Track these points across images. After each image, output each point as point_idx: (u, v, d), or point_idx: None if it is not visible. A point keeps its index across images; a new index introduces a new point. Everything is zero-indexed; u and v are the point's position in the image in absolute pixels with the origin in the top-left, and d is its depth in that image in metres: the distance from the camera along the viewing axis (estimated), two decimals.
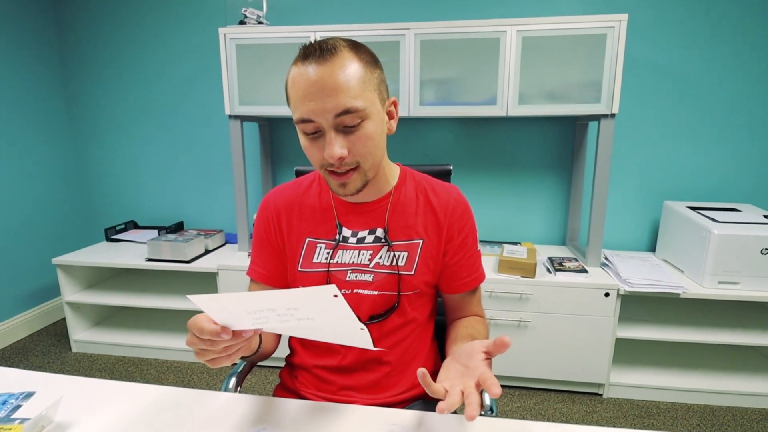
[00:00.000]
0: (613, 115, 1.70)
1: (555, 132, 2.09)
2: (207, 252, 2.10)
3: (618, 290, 1.68)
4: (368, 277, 0.79)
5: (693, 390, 1.74)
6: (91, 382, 0.78)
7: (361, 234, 0.80)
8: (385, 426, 0.66)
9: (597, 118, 1.76)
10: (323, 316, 0.55)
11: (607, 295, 1.69)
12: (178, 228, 2.38)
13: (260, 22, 1.93)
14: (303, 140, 0.70)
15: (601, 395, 1.81)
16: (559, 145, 2.10)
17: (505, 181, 2.16)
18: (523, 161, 2.13)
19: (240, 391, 0.85)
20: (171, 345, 2.04)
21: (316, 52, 0.64)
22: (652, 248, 2.12)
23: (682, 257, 1.83)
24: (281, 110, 1.87)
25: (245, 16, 1.92)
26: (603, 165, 1.75)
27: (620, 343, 1.84)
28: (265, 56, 1.84)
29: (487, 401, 0.81)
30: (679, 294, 1.64)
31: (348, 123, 0.66)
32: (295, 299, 0.53)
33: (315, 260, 0.81)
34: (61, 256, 2.03)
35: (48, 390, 0.75)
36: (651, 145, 2.04)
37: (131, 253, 2.09)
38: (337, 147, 0.66)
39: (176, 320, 2.25)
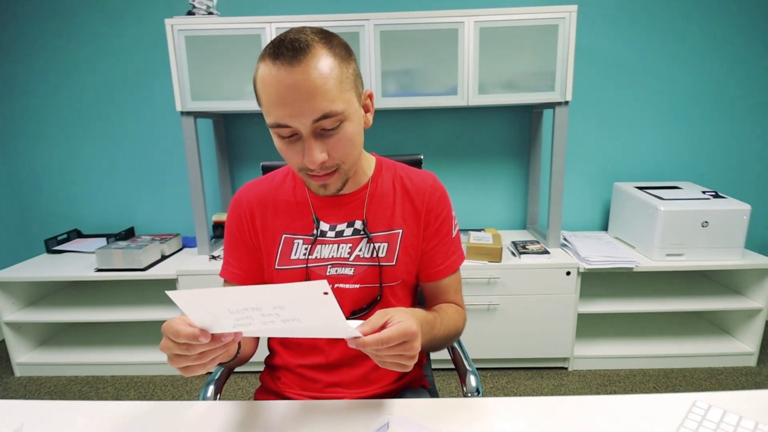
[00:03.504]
0: (566, 103, 1.78)
1: (512, 120, 2.16)
2: (163, 258, 1.98)
3: (578, 268, 1.77)
4: (349, 271, 0.78)
5: (648, 356, 1.88)
6: (51, 405, 0.71)
7: (339, 227, 0.78)
8: (382, 416, 0.65)
9: (551, 105, 1.84)
10: (311, 315, 0.52)
11: (568, 273, 1.78)
12: (128, 234, 2.22)
13: (210, 13, 1.83)
14: (278, 143, 0.66)
15: (566, 369, 1.91)
16: (516, 133, 2.17)
17: (468, 170, 2.21)
18: (483, 150, 2.19)
19: (220, 399, 0.81)
20: (129, 359, 1.91)
21: (288, 51, 0.59)
22: (605, 227, 2.26)
23: (633, 234, 1.95)
24: (237, 105, 1.80)
25: (194, 6, 1.81)
26: (559, 151, 1.83)
27: (582, 318, 1.95)
28: (217, 49, 1.75)
29: (473, 383, 0.83)
30: (632, 268, 1.76)
31: (327, 127, 0.62)
32: (283, 295, 0.49)
33: (293, 257, 0.78)
34: None
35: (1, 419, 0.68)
36: (600, 130, 2.16)
37: (77, 264, 1.93)
38: (317, 152, 0.63)
39: (133, 333, 2.11)
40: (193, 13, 1.82)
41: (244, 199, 0.81)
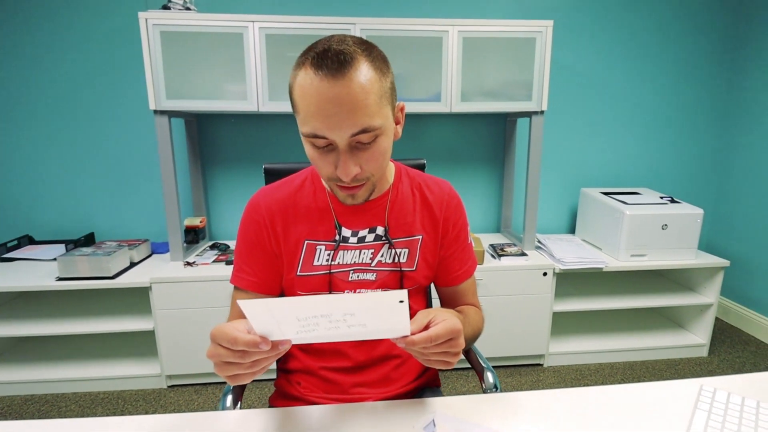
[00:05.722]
0: (542, 112, 1.88)
1: (488, 128, 2.24)
2: (132, 265, 1.86)
3: (554, 269, 1.86)
4: (371, 276, 0.79)
5: (615, 350, 2.01)
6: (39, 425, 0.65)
7: (361, 233, 0.79)
8: (426, 414, 0.67)
9: (527, 114, 1.93)
10: (378, 321, 0.53)
11: (545, 274, 1.87)
12: (89, 240, 2.07)
13: (188, 8, 1.76)
14: (311, 151, 0.66)
15: (542, 365, 2.00)
16: (491, 140, 2.26)
17: (446, 175, 2.26)
18: (460, 155, 2.25)
19: (241, 408, 0.78)
20: (93, 374, 1.77)
21: (332, 62, 0.58)
22: (572, 230, 2.39)
23: (599, 236, 2.09)
24: (215, 105, 1.74)
25: (169, 1, 1.73)
26: (535, 157, 1.92)
27: (556, 316, 2.05)
28: (196, 46, 1.69)
29: (491, 380, 0.86)
30: (602, 268, 1.88)
31: (363, 141, 0.63)
32: (360, 303, 0.50)
33: (316, 263, 0.78)
34: None
35: None
36: (567, 139, 2.29)
37: (33, 273, 1.77)
38: (351, 166, 0.64)
39: (96, 346, 1.97)
40: (169, 8, 1.74)
41: (263, 205, 0.79)
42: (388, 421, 0.66)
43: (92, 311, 1.87)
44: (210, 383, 1.85)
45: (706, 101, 2.33)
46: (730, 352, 2.08)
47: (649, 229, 1.91)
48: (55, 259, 1.87)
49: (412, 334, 0.57)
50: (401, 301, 0.50)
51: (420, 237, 0.81)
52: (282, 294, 0.83)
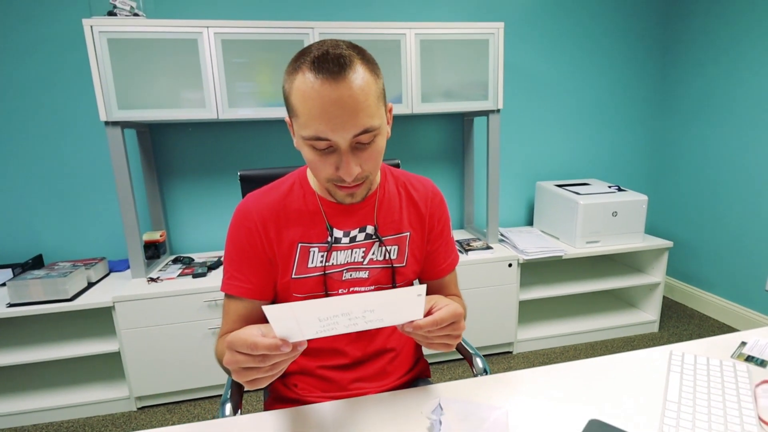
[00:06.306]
0: (498, 111, 1.96)
1: (446, 127, 2.30)
2: (90, 285, 1.77)
3: (518, 260, 1.95)
4: (364, 274, 0.81)
5: (576, 333, 2.14)
6: None
7: (352, 233, 0.81)
8: (431, 400, 0.70)
9: (484, 113, 2.00)
10: (394, 314, 0.56)
11: (510, 265, 1.95)
12: (37, 263, 1.94)
13: (135, 14, 1.69)
14: (310, 154, 0.68)
15: (511, 352, 2.09)
16: (450, 140, 2.32)
17: None
18: (421, 155, 2.30)
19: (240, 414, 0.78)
20: (57, 403, 1.67)
21: (332, 65, 0.60)
22: (530, 222, 2.51)
23: (556, 226, 2.20)
24: (170, 114, 1.68)
25: (114, 6, 1.66)
26: (494, 154, 2.00)
27: (522, 304, 2.15)
28: (147, 53, 1.62)
29: (480, 365, 0.91)
30: (561, 256, 1.99)
31: (364, 141, 0.66)
32: (381, 300, 0.53)
33: (310, 265, 0.79)
34: None
35: None
36: (520, 136, 2.40)
37: None
38: (353, 166, 0.66)
39: (60, 372, 1.85)
40: (115, 14, 1.67)
41: (254, 211, 0.79)
42: (396, 411, 0.69)
43: (50, 337, 1.76)
44: (182, 401, 1.79)
45: (645, 96, 2.51)
46: (678, 326, 2.27)
47: (601, 217, 2.04)
48: (2, 285, 1.75)
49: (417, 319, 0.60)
50: (419, 295, 0.54)
51: (408, 234, 0.84)
52: (275, 299, 0.83)
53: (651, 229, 2.66)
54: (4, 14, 1.81)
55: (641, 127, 2.56)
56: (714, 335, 0.92)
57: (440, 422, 0.63)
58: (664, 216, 2.62)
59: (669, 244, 2.11)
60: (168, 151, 2.05)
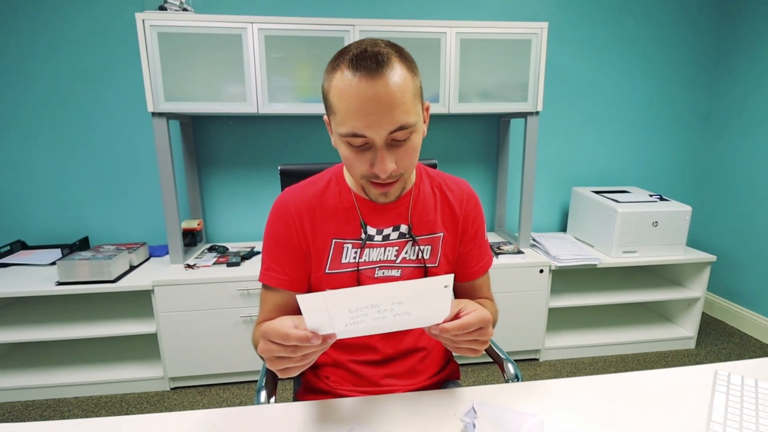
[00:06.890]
0: (537, 113, 1.92)
1: (482, 128, 2.27)
2: (132, 268, 1.85)
3: (550, 266, 1.91)
4: (396, 273, 0.82)
5: (607, 344, 2.08)
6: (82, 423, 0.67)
7: (386, 231, 0.82)
8: (464, 402, 0.71)
9: (522, 115, 1.97)
10: (422, 308, 0.56)
11: (541, 271, 1.92)
12: (84, 245, 2.05)
13: (184, 9, 1.75)
14: (346, 151, 0.69)
15: (538, 360, 2.05)
16: (485, 141, 2.29)
17: None
18: (456, 156, 2.28)
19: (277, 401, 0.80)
20: (97, 378, 1.77)
21: (370, 63, 0.62)
22: (564, 228, 2.45)
23: (591, 233, 2.15)
24: (214, 107, 1.73)
25: (166, 1, 1.72)
26: (530, 157, 1.97)
27: (552, 312, 2.10)
28: (194, 47, 1.68)
29: (512, 370, 0.91)
30: (596, 264, 1.93)
31: (399, 138, 0.66)
32: (408, 291, 0.53)
33: (344, 261, 0.80)
34: None
35: None
36: (558, 139, 2.35)
37: (29, 278, 1.75)
38: (388, 162, 0.67)
39: (97, 350, 1.95)
40: (165, 9, 1.73)
41: (292, 205, 0.81)
42: (428, 410, 0.70)
43: (93, 315, 1.86)
44: (213, 384, 1.85)
45: (690, 104, 2.41)
46: (716, 343, 2.17)
47: (640, 227, 1.97)
48: (52, 264, 1.85)
49: (444, 322, 0.60)
50: (446, 286, 0.53)
51: (441, 234, 0.84)
52: (309, 292, 0.85)
53: (693, 242, 2.55)
54: (64, 8, 1.91)
55: (685, 135, 2.45)
56: (756, 356, 0.88)
57: (474, 425, 0.63)
58: (707, 228, 2.51)
59: (712, 258, 2.02)
60: (208, 142, 2.12)
